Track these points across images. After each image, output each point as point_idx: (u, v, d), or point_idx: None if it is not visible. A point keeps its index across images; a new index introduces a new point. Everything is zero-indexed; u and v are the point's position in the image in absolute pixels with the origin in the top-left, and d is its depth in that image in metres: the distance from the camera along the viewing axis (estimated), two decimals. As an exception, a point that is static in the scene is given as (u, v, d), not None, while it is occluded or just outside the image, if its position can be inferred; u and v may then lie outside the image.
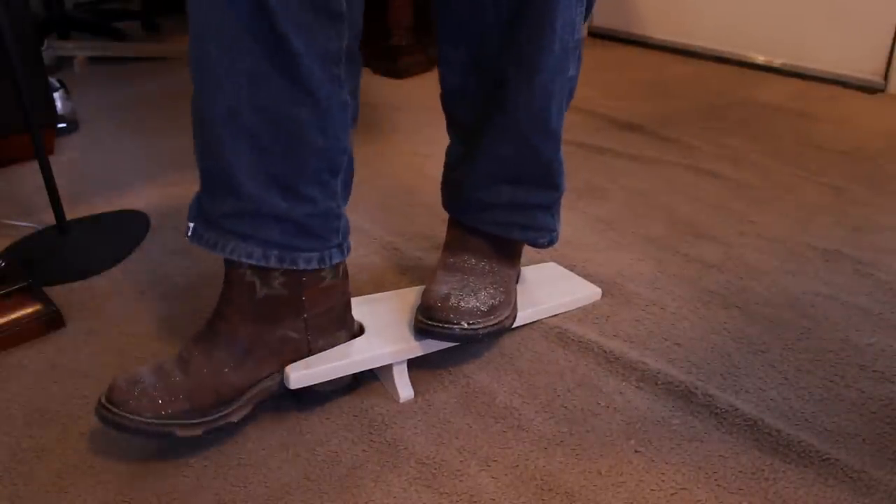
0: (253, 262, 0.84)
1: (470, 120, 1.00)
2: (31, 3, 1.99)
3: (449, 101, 1.02)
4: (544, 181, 1.01)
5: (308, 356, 0.90)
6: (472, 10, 0.92)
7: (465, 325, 0.93)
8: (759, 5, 2.21)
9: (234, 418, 0.86)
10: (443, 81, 1.01)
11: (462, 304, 0.94)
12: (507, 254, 1.04)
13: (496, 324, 0.96)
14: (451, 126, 1.04)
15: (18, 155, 1.58)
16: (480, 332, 0.94)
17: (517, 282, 1.08)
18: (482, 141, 0.98)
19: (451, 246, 1.04)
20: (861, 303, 1.11)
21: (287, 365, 0.89)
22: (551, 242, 1.06)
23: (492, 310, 0.96)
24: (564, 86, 0.95)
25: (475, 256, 1.01)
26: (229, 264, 0.87)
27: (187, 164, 1.62)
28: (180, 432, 0.83)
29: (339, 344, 0.93)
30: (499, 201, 1.01)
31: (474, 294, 0.96)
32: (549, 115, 0.95)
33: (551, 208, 1.04)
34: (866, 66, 2.05)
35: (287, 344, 0.89)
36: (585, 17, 0.96)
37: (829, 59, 2.11)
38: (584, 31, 0.97)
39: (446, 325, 0.92)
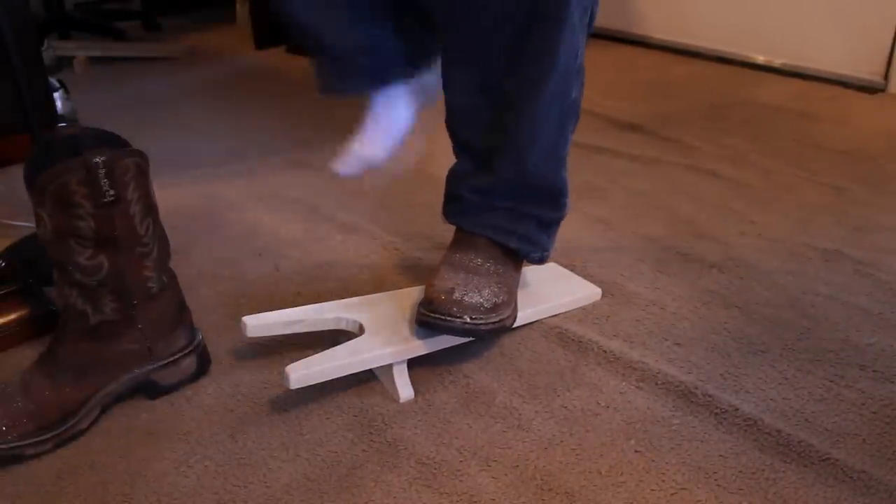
0: None
1: (477, 140, 1.01)
2: (31, 3, 1.99)
3: (455, 123, 1.02)
4: (547, 201, 1.02)
5: (150, 360, 0.92)
6: (479, 33, 0.92)
7: (468, 320, 0.93)
8: (759, 5, 2.21)
9: (83, 425, 0.89)
10: (449, 104, 1.01)
11: (466, 298, 0.94)
12: (511, 258, 1.04)
13: (498, 321, 0.96)
14: (458, 146, 1.05)
15: (18, 155, 1.58)
16: (482, 327, 0.94)
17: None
18: (488, 162, 0.99)
19: (458, 244, 1.04)
20: (861, 303, 1.11)
21: (127, 371, 0.91)
22: (542, 260, 1.06)
23: (495, 307, 0.96)
24: (566, 109, 0.96)
25: (481, 256, 1.01)
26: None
27: (186, 165, 1.63)
28: (29, 451, 0.85)
29: (180, 343, 0.95)
30: (499, 208, 1.01)
31: (478, 291, 0.96)
32: (549, 137, 0.96)
33: (549, 228, 1.05)
34: (867, 66, 2.05)
35: (127, 355, 0.91)
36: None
37: (829, 59, 2.11)
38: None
39: (449, 318, 0.92)
